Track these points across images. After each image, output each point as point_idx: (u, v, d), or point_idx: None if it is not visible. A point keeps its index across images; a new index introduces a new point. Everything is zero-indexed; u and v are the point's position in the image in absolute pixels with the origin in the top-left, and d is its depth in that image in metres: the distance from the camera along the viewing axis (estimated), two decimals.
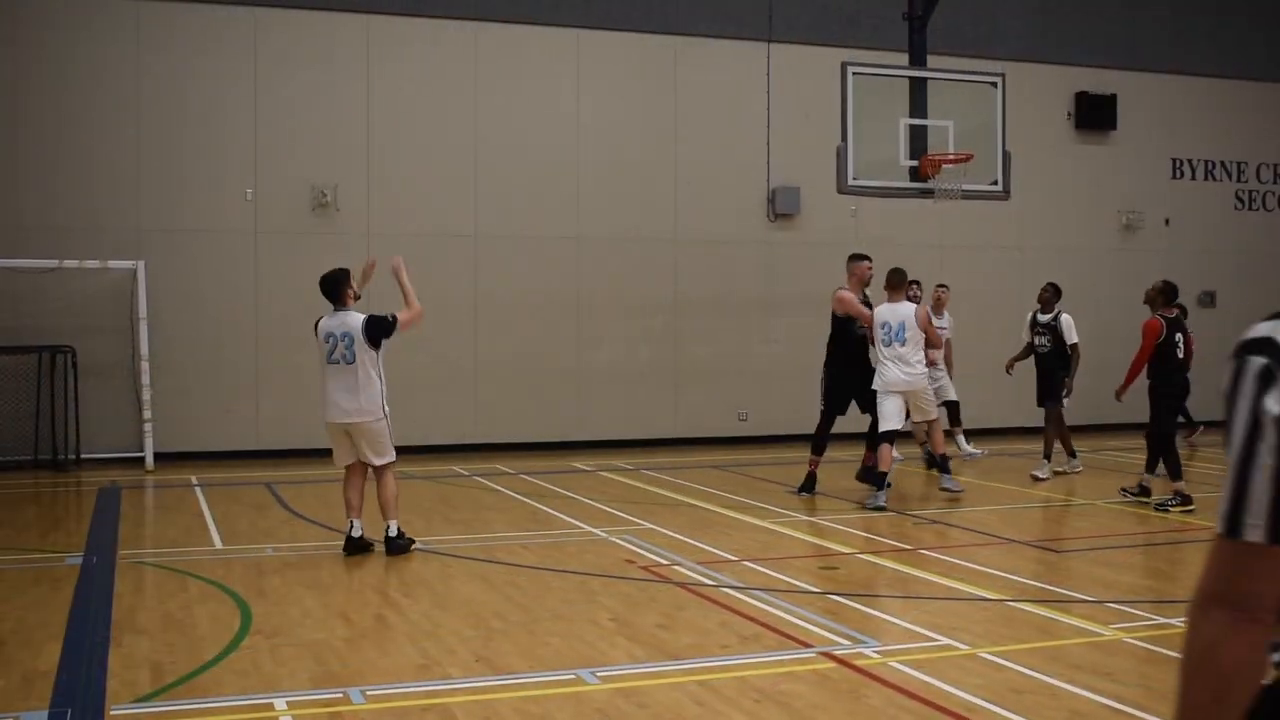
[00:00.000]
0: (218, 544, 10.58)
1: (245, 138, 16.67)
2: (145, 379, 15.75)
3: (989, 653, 6.90)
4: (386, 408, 10.00)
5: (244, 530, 11.19)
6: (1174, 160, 21.37)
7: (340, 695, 6.22)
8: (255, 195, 16.68)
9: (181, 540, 10.75)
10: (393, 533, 9.89)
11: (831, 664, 6.70)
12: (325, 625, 7.66)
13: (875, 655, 6.91)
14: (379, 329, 9.89)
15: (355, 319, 9.88)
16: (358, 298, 10.13)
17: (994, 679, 6.40)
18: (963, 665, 6.67)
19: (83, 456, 15.76)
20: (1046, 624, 7.70)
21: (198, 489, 13.81)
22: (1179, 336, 12.38)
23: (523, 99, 17.78)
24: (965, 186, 14.64)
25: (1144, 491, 12.77)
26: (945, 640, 7.17)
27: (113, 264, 15.82)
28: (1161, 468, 12.39)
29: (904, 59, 15.90)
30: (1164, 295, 12.53)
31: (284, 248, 16.75)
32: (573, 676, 6.51)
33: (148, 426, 15.74)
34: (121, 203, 16.21)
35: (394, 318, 9.96)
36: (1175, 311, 12.56)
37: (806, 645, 7.10)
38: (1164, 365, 12.28)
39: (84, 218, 16.04)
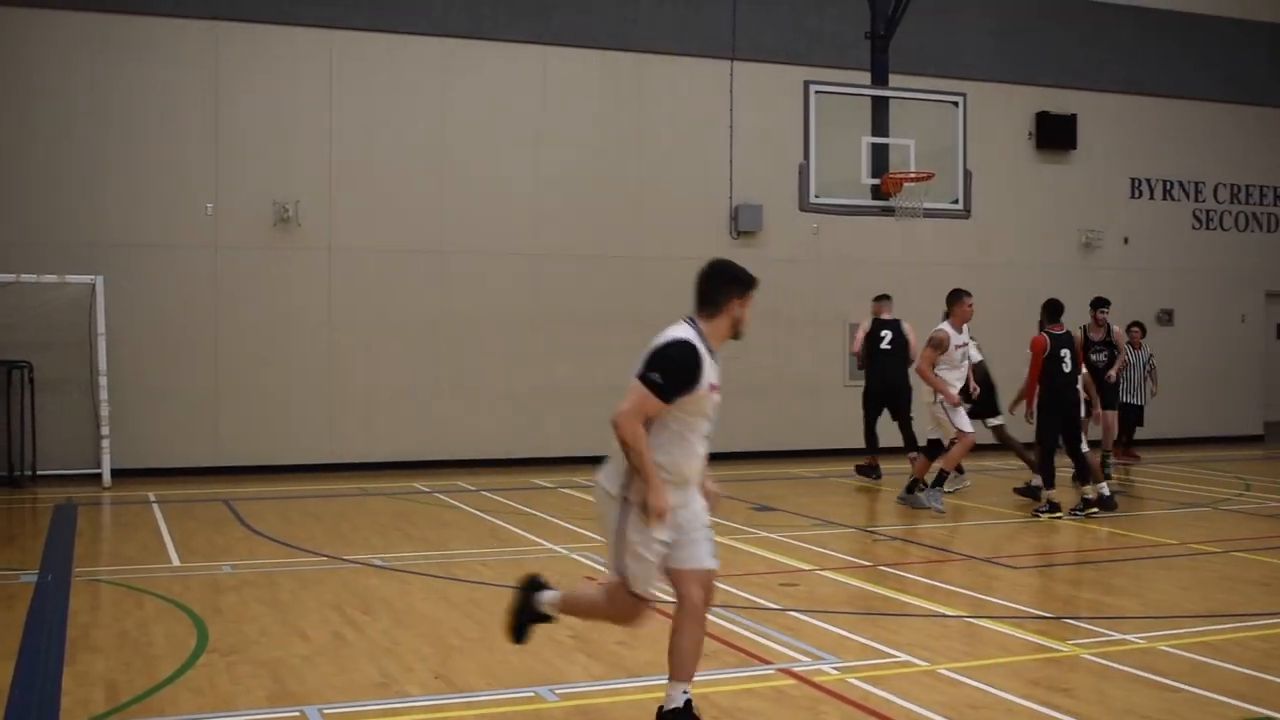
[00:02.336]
0: (175, 561, 10.48)
1: (205, 151, 16.56)
2: (103, 394, 15.61)
3: (947, 669, 6.92)
4: None
5: (201, 547, 11.09)
6: (1133, 180, 21.56)
7: (298, 714, 6.17)
8: (215, 209, 16.57)
9: (138, 557, 10.64)
10: None
11: (791, 680, 6.70)
12: (282, 643, 7.60)
13: (834, 672, 6.91)
14: None
15: None
16: None
17: (952, 695, 6.41)
18: (921, 681, 6.68)
19: (39, 473, 15.58)
20: (1005, 640, 7.73)
21: (155, 506, 13.68)
22: (1065, 352, 12.93)
23: (487, 115, 17.76)
24: (927, 205, 14.80)
25: (1030, 490, 13.73)
26: (904, 656, 7.18)
27: (70, 278, 15.68)
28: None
29: (866, 78, 16.02)
30: (1047, 312, 13.24)
31: (245, 262, 16.65)
32: (532, 694, 6.48)
33: (105, 443, 15.59)
34: (79, 217, 16.06)
35: None
36: (1063, 328, 13.12)
37: (766, 662, 7.10)
38: (1050, 381, 12.92)
39: (41, 232, 15.88)
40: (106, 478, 15.45)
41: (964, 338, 13.30)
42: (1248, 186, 22.37)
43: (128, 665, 7.04)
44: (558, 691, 6.50)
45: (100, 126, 16.18)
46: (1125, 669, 6.85)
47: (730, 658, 7.19)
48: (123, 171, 16.27)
